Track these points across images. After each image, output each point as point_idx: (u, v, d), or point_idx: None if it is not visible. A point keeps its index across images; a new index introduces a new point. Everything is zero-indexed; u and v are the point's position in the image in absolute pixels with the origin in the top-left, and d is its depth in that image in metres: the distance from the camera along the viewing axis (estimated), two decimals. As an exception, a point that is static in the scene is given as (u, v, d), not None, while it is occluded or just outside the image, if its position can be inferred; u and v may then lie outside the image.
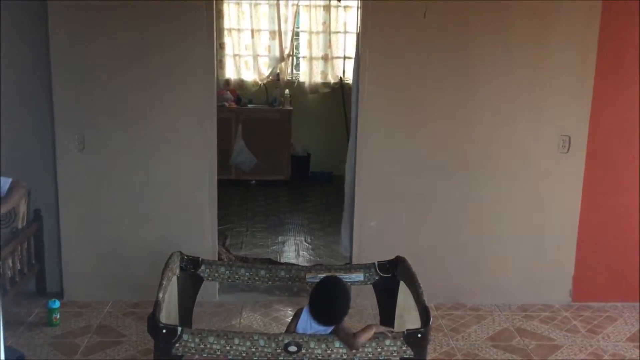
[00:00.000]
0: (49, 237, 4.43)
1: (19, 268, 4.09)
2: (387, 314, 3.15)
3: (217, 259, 4.49)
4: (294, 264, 3.26)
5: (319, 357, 2.52)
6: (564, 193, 4.49)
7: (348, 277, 3.15)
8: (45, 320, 4.07)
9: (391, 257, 3.25)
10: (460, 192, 4.46)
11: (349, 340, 2.55)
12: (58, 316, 4.06)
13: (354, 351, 2.51)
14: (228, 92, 7.72)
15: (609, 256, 4.59)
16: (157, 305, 2.54)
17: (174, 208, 4.37)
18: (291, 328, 2.81)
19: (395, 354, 2.55)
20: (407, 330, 2.54)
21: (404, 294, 3.05)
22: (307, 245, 5.81)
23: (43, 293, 4.44)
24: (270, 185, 7.78)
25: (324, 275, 3.07)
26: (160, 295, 2.63)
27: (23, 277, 4.14)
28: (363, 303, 4.22)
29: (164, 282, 2.74)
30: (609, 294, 4.64)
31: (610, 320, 4.39)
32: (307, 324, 2.76)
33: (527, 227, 4.53)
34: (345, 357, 2.54)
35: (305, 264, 5.21)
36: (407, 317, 2.93)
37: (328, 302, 2.74)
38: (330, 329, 2.70)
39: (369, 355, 2.54)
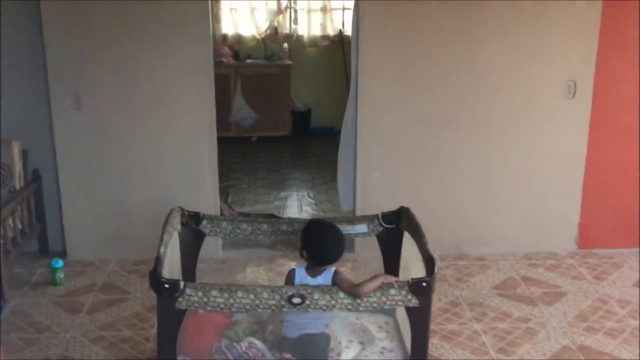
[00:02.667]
0: (50, 197, 4.39)
1: (20, 228, 4.07)
2: (391, 265, 3.12)
3: (220, 215, 4.47)
4: (296, 218, 3.21)
5: (324, 308, 2.50)
6: (570, 140, 4.43)
7: (352, 228, 3.11)
8: (49, 280, 4.06)
9: (394, 208, 3.20)
10: (464, 141, 4.39)
11: (352, 289, 2.52)
12: (62, 275, 4.05)
13: (358, 301, 2.48)
14: (225, 47, 7.58)
15: (614, 202, 4.54)
16: (158, 260, 2.51)
17: (174, 166, 4.32)
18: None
19: (400, 303, 2.53)
20: (412, 279, 2.51)
21: (408, 245, 3.01)
22: (310, 200, 5.78)
23: (46, 253, 4.43)
24: (271, 141, 7.73)
25: None
26: (162, 250, 2.59)
27: (25, 238, 4.12)
28: (367, 255, 4.20)
29: (165, 238, 2.70)
30: (614, 241, 4.62)
31: (616, 267, 4.37)
32: (303, 281, 2.72)
33: (532, 175, 4.47)
34: (350, 307, 2.51)
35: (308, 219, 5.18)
36: (412, 267, 2.90)
37: (319, 243, 2.71)
38: (327, 281, 2.67)
39: (374, 305, 2.52)
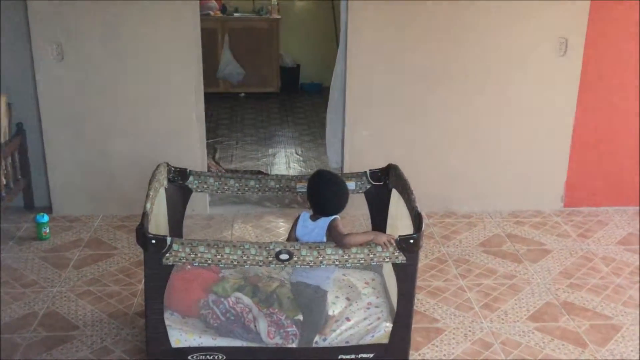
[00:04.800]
0: (34, 152, 4.33)
1: (4, 183, 4.02)
2: (379, 223, 3.12)
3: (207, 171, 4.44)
4: (284, 175, 3.19)
5: (311, 264, 2.50)
6: (560, 97, 4.41)
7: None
8: (34, 235, 4.04)
9: (383, 166, 3.19)
10: (454, 99, 4.36)
11: (339, 238, 2.54)
12: (47, 230, 4.03)
13: (343, 252, 2.47)
14: (212, 0, 7.42)
15: (601, 161, 4.56)
16: (144, 215, 2.49)
17: (161, 121, 4.27)
18: (292, 234, 2.81)
19: (387, 260, 2.54)
20: (399, 236, 2.51)
21: (396, 202, 3.01)
22: (298, 157, 5.76)
23: (31, 208, 4.40)
24: (260, 97, 7.66)
25: (301, 185, 3.03)
26: (148, 206, 2.57)
27: (9, 192, 4.07)
28: (355, 213, 4.20)
29: (151, 193, 2.67)
30: (600, 199, 4.65)
31: (601, 225, 4.42)
32: (303, 224, 2.75)
33: (521, 133, 4.46)
34: (337, 263, 2.52)
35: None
36: (399, 224, 2.90)
37: (319, 192, 2.72)
38: (324, 226, 2.67)
39: (361, 262, 2.53)
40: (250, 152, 5.85)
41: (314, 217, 2.74)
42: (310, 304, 2.72)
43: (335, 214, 2.70)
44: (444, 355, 3.02)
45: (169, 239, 2.44)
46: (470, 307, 3.41)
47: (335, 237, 2.58)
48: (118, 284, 3.55)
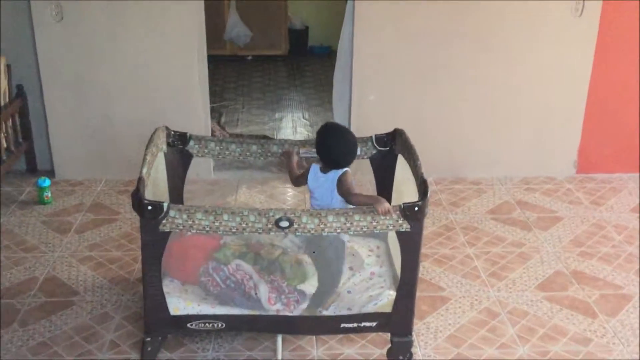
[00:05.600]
0: (36, 115, 4.26)
1: (5, 146, 3.96)
2: (384, 190, 3.03)
3: (210, 135, 4.36)
4: (287, 139, 3.09)
5: (312, 232, 2.43)
6: (575, 60, 4.26)
7: (307, 151, 3.01)
8: (36, 199, 3.99)
9: (390, 130, 3.08)
10: (465, 61, 4.23)
11: (347, 193, 2.55)
12: (49, 194, 3.98)
13: (345, 219, 2.40)
14: (219, -41, 7.24)
15: (616, 127, 4.43)
16: (140, 181, 2.41)
17: (163, 84, 4.17)
18: (300, 180, 2.82)
19: (391, 228, 2.45)
20: (403, 203, 2.42)
21: (401, 168, 2.91)
22: (305, 121, 5.66)
23: (34, 172, 4.35)
24: (267, 60, 7.51)
25: (304, 151, 2.93)
26: (144, 170, 2.49)
27: (11, 156, 4.02)
28: (361, 178, 4.10)
29: (148, 158, 2.59)
30: (614, 165, 4.53)
31: (614, 192, 4.30)
32: (315, 176, 2.73)
33: (534, 97, 4.33)
34: (339, 231, 2.44)
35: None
36: (405, 191, 2.81)
37: (329, 144, 2.68)
38: (334, 179, 2.63)
39: (364, 229, 2.45)
40: (257, 116, 5.75)
41: (324, 169, 2.71)
42: (327, 255, 2.68)
43: (345, 166, 2.66)
44: (449, 324, 2.96)
45: (165, 205, 2.37)
46: (477, 276, 3.34)
47: (344, 191, 2.59)
48: (120, 249, 3.51)
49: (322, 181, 2.70)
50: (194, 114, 4.23)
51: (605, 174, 4.53)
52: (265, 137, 5.07)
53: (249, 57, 7.57)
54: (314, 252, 2.85)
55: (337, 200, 2.66)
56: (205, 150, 3.04)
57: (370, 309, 2.65)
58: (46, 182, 3.97)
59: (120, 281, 3.22)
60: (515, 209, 4.06)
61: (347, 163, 2.68)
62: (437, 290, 3.22)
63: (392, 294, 2.66)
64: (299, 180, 2.86)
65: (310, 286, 2.75)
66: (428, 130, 4.26)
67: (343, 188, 2.60)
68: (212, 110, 5.38)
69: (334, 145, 2.68)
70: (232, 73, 7.06)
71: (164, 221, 2.38)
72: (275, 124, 5.58)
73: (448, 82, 4.27)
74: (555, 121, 4.40)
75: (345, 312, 2.65)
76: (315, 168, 2.75)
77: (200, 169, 4.26)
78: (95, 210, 3.93)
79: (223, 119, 5.51)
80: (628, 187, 4.37)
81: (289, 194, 4.21)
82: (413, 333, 2.70)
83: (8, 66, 4.08)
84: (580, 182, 4.45)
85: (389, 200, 2.87)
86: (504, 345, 2.83)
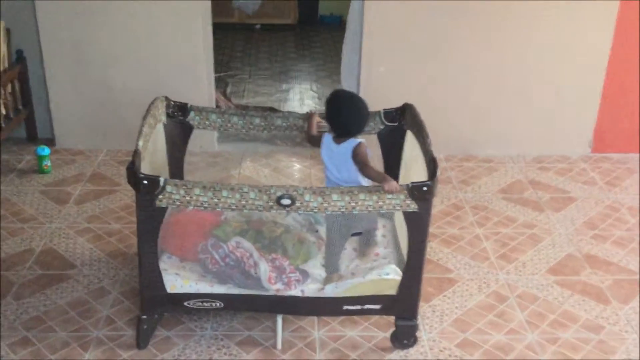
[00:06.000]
0: (37, 81, 4.14)
1: (4, 113, 3.85)
2: (392, 166, 2.91)
3: (215, 106, 4.24)
4: (292, 112, 2.96)
5: (315, 210, 2.32)
6: (594, 35, 4.09)
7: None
8: (36, 168, 3.90)
9: (400, 105, 2.95)
10: (479, 34, 4.07)
11: (362, 163, 2.48)
12: (49, 163, 3.89)
13: (350, 198, 2.29)
14: None
15: (634, 105, 4.27)
16: (136, 154, 2.30)
17: (167, 52, 4.04)
18: (315, 140, 2.75)
19: (397, 208, 2.34)
20: (411, 183, 2.31)
21: (410, 145, 2.79)
22: (313, 93, 5.52)
23: (34, 140, 4.26)
24: (276, 29, 7.35)
25: (323, 123, 2.81)
26: (140, 143, 2.37)
27: (10, 123, 3.92)
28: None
29: (144, 130, 2.47)
30: (630, 145, 4.39)
31: (630, 172, 4.16)
32: (328, 146, 2.62)
33: (549, 71, 4.18)
34: (343, 210, 2.33)
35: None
36: (413, 168, 2.69)
37: (341, 112, 2.58)
38: (349, 150, 2.53)
39: (369, 209, 2.34)
40: (263, 87, 5.61)
41: (337, 140, 2.60)
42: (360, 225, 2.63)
43: (357, 134, 2.57)
44: (456, 307, 2.87)
45: (162, 180, 2.26)
46: (486, 257, 3.23)
47: (359, 163, 2.49)
48: (119, 221, 3.42)
49: (335, 153, 2.59)
50: (198, 84, 4.10)
51: (621, 154, 4.38)
52: (271, 108, 4.94)
53: (258, 26, 7.39)
54: (316, 232, 2.76)
55: (353, 171, 2.56)
56: (207, 122, 2.92)
57: (373, 290, 2.55)
58: (45, 150, 3.87)
59: (119, 255, 3.14)
60: (527, 189, 3.93)
61: (358, 130, 2.59)
62: (445, 271, 3.12)
63: (396, 276, 2.56)
64: (313, 139, 2.78)
65: (313, 266, 2.66)
66: (438, 104, 4.12)
67: (357, 158, 2.51)
68: (218, 80, 5.26)
69: (345, 113, 2.58)
70: (239, 42, 6.90)
71: (160, 196, 2.28)
72: (282, 95, 5.45)
73: (460, 55, 4.11)
74: (570, 98, 4.24)
75: (347, 294, 2.55)
76: (328, 138, 2.64)
77: (204, 140, 4.15)
78: (95, 181, 3.84)
79: (229, 89, 5.37)
80: (645, 168, 4.24)
81: (295, 168, 4.10)
82: (418, 316, 2.61)
83: (7, 30, 3.95)
84: (595, 161, 4.31)
85: (396, 179, 2.76)
86: (512, 331, 2.73)
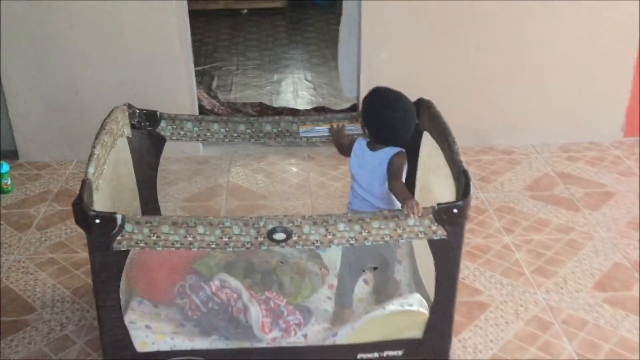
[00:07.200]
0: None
1: (-47, 127, 3.36)
2: (405, 179, 2.41)
3: (197, 105, 3.74)
4: (282, 117, 2.44)
5: (317, 244, 1.84)
6: (624, 8, 3.61)
7: (354, 127, 2.40)
8: (-7, 188, 3.41)
9: (407, 94, 2.45)
10: (493, 10, 3.58)
11: (395, 178, 2.05)
12: (9, 181, 3.41)
13: (361, 227, 1.82)
14: None
15: (674, 83, 3.78)
16: (85, 185, 1.80)
17: (138, 45, 3.54)
18: (346, 149, 2.27)
19: (421, 236, 1.86)
20: (438, 204, 1.82)
21: (428, 149, 2.30)
22: (307, 83, 5.04)
23: (-6, 154, 3.75)
24: (265, 14, 6.91)
25: (321, 127, 2.32)
26: (91, 170, 1.87)
27: (-39, 138, 3.42)
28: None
29: (96, 152, 1.94)
30: (669, 127, 3.90)
31: (672, 159, 3.69)
32: (360, 154, 2.19)
33: (575, 49, 3.71)
34: (352, 242, 1.85)
35: (305, 107, 4.46)
36: (434, 181, 2.21)
37: (379, 112, 2.12)
38: (385, 159, 2.10)
39: (385, 239, 1.85)
40: (253, 79, 5.12)
41: (373, 147, 2.16)
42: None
43: (402, 142, 2.13)
44: (491, 340, 2.39)
45: (119, 217, 1.77)
46: (520, 273, 2.75)
47: (391, 173, 2.09)
48: (87, 249, 2.92)
49: (368, 161, 2.14)
50: (176, 80, 3.61)
51: (658, 137, 3.91)
52: (262, 104, 4.44)
53: (245, 11, 6.93)
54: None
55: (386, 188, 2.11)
56: (181, 133, 2.43)
57: (394, 334, 2.07)
58: (4, 167, 3.38)
59: (86, 292, 2.64)
60: (558, 184, 3.44)
61: (403, 137, 2.12)
62: (473, 293, 2.64)
63: (421, 309, 2.07)
64: (344, 148, 2.32)
65: (316, 300, 2.19)
66: (450, 91, 3.66)
67: (391, 168, 2.09)
68: (203, 73, 4.77)
69: (387, 115, 2.10)
70: (225, 29, 6.39)
71: (118, 237, 1.79)
72: (273, 87, 4.96)
73: (473, 34, 3.64)
74: (600, 77, 3.78)
75: (362, 337, 2.07)
76: (361, 144, 2.19)
77: (186, 145, 3.67)
78: (62, 200, 3.34)
79: (214, 83, 4.88)
80: (687, 152, 3.75)
81: (292, 172, 3.61)
82: (449, 361, 2.13)
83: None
84: (629, 147, 3.84)
85: (412, 192, 2.27)
86: (562, 369, 2.26)
